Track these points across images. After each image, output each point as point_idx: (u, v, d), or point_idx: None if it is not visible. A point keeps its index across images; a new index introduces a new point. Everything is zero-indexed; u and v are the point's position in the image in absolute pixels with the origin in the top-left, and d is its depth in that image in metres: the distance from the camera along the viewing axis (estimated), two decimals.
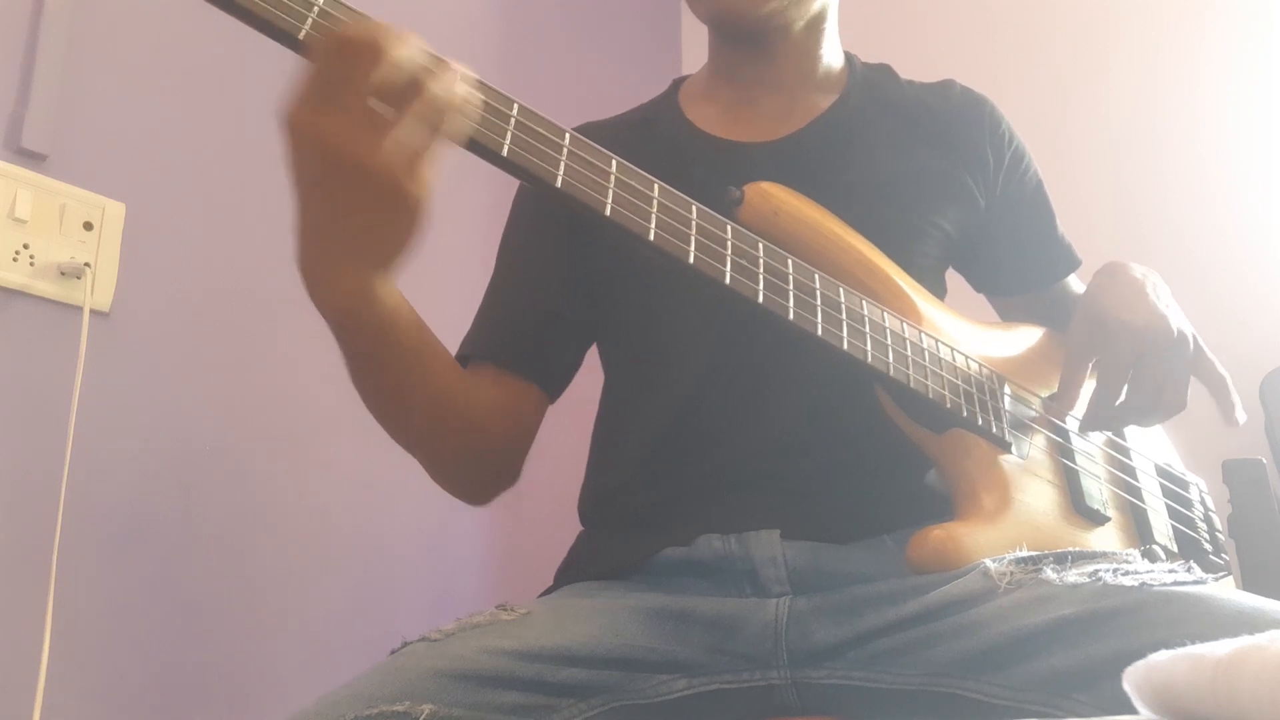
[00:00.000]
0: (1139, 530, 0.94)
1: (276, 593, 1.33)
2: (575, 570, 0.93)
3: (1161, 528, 0.96)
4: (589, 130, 1.02)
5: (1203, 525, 1.03)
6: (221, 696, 1.25)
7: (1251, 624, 0.59)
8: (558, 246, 0.98)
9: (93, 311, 1.18)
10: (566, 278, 0.99)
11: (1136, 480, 0.97)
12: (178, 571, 1.24)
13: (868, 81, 1.03)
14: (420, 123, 0.61)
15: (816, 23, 0.99)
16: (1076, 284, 1.11)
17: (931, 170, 0.98)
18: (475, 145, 0.66)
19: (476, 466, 0.94)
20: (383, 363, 0.78)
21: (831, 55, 1.02)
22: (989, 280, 1.10)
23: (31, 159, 1.18)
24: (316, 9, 0.61)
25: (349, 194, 0.62)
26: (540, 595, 0.91)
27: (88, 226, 1.21)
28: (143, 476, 1.23)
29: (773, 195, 0.85)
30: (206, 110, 1.34)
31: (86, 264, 1.19)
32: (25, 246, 1.16)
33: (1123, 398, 0.90)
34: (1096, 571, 0.69)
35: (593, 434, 1.02)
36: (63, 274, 1.18)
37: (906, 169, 0.97)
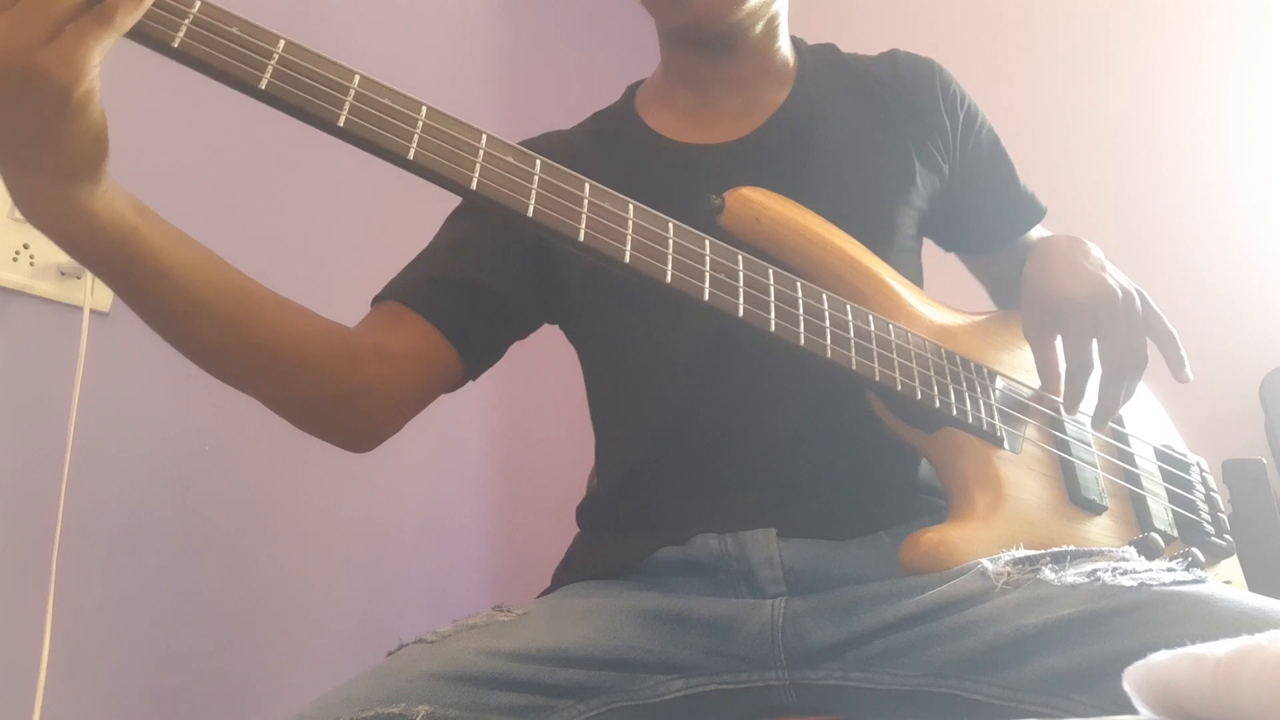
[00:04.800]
0: (1138, 517, 0.94)
1: (276, 593, 1.33)
2: (572, 571, 0.93)
3: (1161, 513, 0.96)
4: (549, 140, 1.01)
5: (1204, 506, 1.02)
6: (220, 696, 1.25)
7: (1251, 624, 0.59)
8: (513, 233, 0.95)
9: (93, 311, 1.18)
10: (512, 260, 0.95)
11: (1134, 466, 0.97)
12: (177, 571, 1.24)
13: (818, 66, 1.02)
14: None
15: (772, 22, 0.98)
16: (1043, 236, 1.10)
17: (895, 147, 0.97)
18: (441, 179, 0.65)
19: (332, 409, 0.85)
20: (142, 288, 0.70)
21: (785, 47, 1.01)
22: (958, 240, 1.09)
23: None
24: None
25: None
26: (538, 596, 0.91)
27: None
28: (143, 476, 1.23)
29: (754, 201, 0.84)
30: (206, 110, 1.34)
31: None
32: (25, 246, 1.16)
33: (1096, 369, 0.90)
34: (1095, 571, 0.69)
35: (595, 442, 1.01)
36: (63, 274, 1.18)
37: (872, 150, 0.97)
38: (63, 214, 0.63)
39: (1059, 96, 1.79)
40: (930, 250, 1.05)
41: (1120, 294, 0.89)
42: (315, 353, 0.81)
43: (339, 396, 0.84)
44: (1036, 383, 0.94)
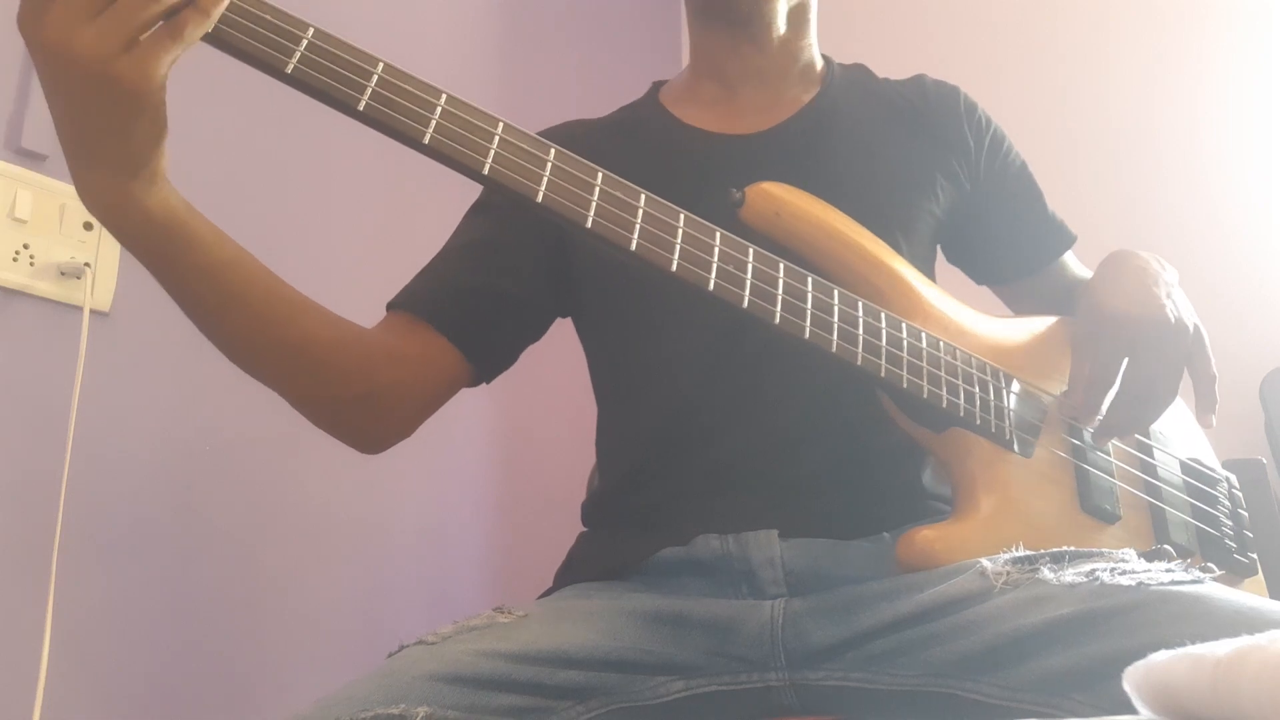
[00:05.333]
0: (1155, 530, 0.92)
1: (276, 593, 1.33)
2: (574, 571, 0.93)
3: (1181, 527, 0.94)
4: (569, 129, 1.02)
5: (1228, 524, 1.00)
6: (220, 696, 1.25)
7: (1250, 624, 0.59)
8: (529, 229, 0.96)
9: (93, 311, 1.18)
10: (525, 258, 0.96)
11: (1156, 478, 0.96)
12: (177, 571, 1.24)
13: (846, 78, 1.04)
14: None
15: (800, 14, 1.01)
16: (1076, 265, 1.11)
17: (916, 156, 0.99)
18: (455, 163, 0.67)
19: (347, 410, 0.87)
20: (183, 280, 0.75)
21: (812, 51, 1.04)
22: (988, 268, 1.09)
23: (31, 159, 1.18)
24: None
25: (68, 86, 0.61)
26: (539, 597, 0.91)
27: (88, 226, 1.21)
28: (143, 476, 1.23)
29: (774, 196, 0.84)
30: (205, 109, 1.34)
31: (86, 264, 1.19)
32: (25, 246, 1.16)
33: (1116, 389, 0.89)
34: (1094, 571, 0.69)
35: (596, 440, 1.01)
36: (63, 274, 1.18)
37: (892, 156, 0.98)
38: (118, 205, 0.68)
39: (1059, 97, 1.79)
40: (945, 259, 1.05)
41: (1171, 322, 0.88)
42: (333, 355, 0.84)
43: (353, 399, 0.86)
44: (1060, 388, 0.93)
